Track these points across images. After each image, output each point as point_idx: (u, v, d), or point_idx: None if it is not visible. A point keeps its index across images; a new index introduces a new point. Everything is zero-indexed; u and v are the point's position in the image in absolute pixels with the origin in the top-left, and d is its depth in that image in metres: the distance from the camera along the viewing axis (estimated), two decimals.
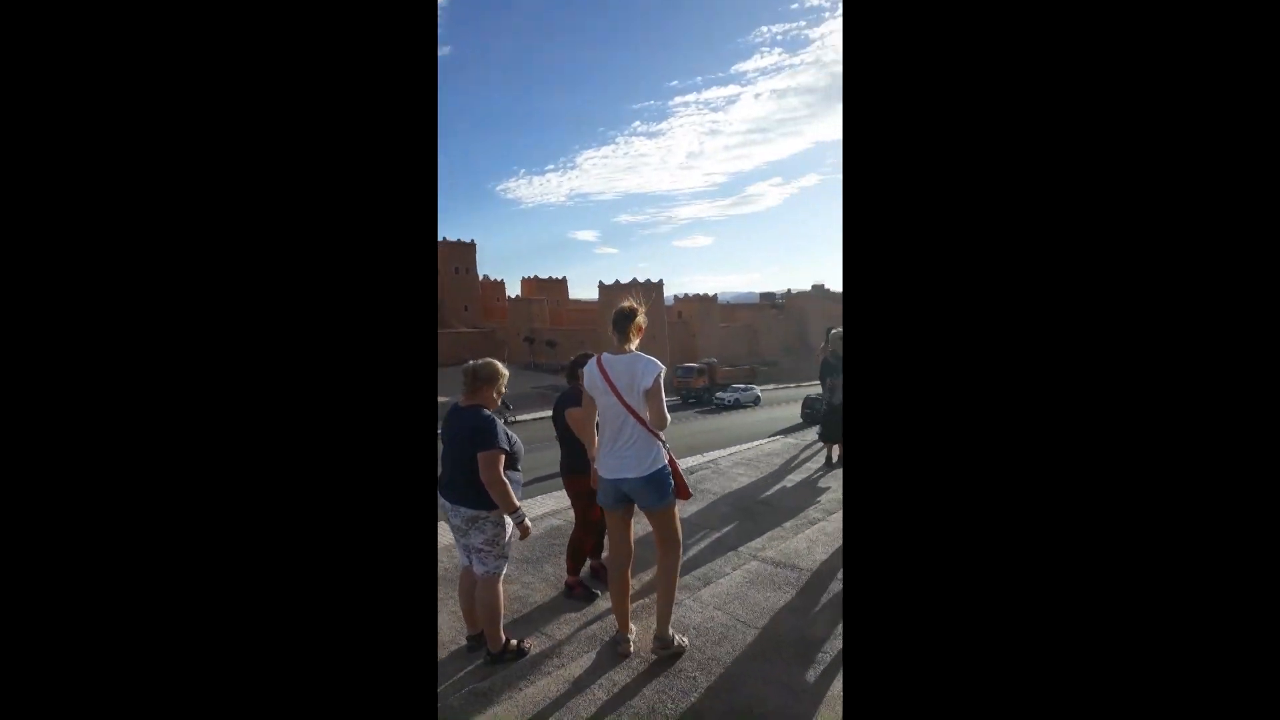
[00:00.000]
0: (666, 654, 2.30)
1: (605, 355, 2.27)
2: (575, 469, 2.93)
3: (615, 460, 2.24)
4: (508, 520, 2.34)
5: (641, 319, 2.29)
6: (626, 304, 2.29)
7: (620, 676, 2.17)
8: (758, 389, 30.37)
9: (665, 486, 2.26)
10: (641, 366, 2.20)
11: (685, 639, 2.43)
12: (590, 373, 2.28)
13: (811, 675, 2.15)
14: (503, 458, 2.22)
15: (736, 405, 27.51)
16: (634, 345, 2.27)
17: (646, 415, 2.21)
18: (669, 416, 2.26)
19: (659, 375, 2.20)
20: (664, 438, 2.29)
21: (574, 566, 2.97)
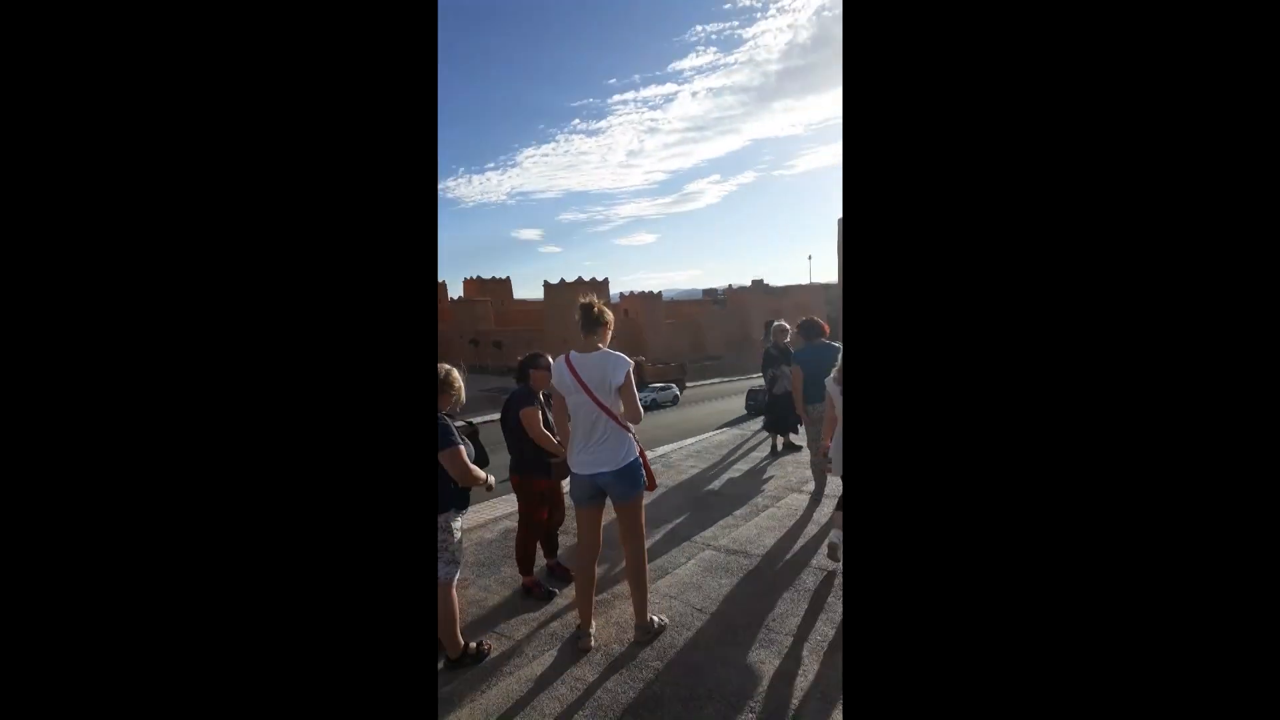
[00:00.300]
0: (649, 637, 2.37)
1: (573, 353, 2.29)
2: (522, 470, 2.93)
3: (590, 456, 2.28)
4: (455, 526, 2.33)
5: (609, 315, 2.33)
6: (588, 300, 2.31)
7: (582, 671, 2.19)
8: (676, 389, 29.40)
9: (638, 478, 2.32)
10: (612, 363, 2.24)
11: (665, 617, 2.51)
12: (559, 371, 2.30)
13: (768, 656, 2.25)
14: (463, 450, 2.20)
15: (654, 405, 25.85)
16: (604, 342, 2.31)
17: (619, 411, 2.26)
18: (643, 410, 2.31)
19: (630, 371, 2.26)
20: (634, 431, 2.34)
21: (526, 567, 2.96)
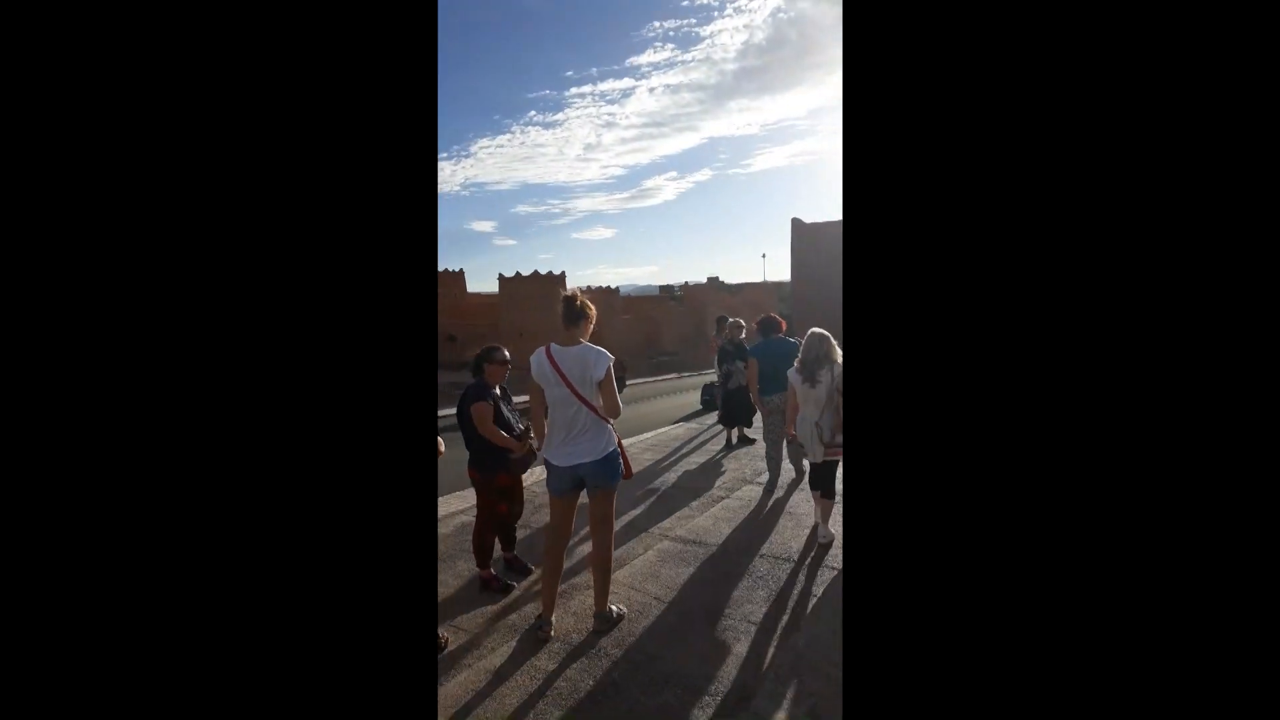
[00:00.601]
0: (608, 626, 2.40)
1: (554, 346, 2.30)
2: (480, 465, 2.90)
3: (571, 448, 2.29)
4: None
5: (592, 309, 2.36)
6: (570, 293, 2.33)
7: (541, 662, 2.20)
8: None
9: (617, 467, 2.37)
10: (593, 357, 2.27)
11: (623, 607, 2.55)
12: (539, 363, 2.30)
13: (724, 641, 2.31)
14: None
15: None
16: (585, 336, 2.32)
17: (599, 404, 2.29)
18: (621, 404, 2.35)
19: (611, 366, 2.29)
20: (613, 422, 2.37)
21: (483, 560, 2.94)
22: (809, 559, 3.03)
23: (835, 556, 3.01)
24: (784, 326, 4.54)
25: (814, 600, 2.59)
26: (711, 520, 3.70)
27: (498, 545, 3.10)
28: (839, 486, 3.37)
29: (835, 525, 3.30)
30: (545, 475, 2.42)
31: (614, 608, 2.49)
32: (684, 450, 5.96)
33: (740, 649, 2.24)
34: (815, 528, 3.37)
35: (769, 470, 4.50)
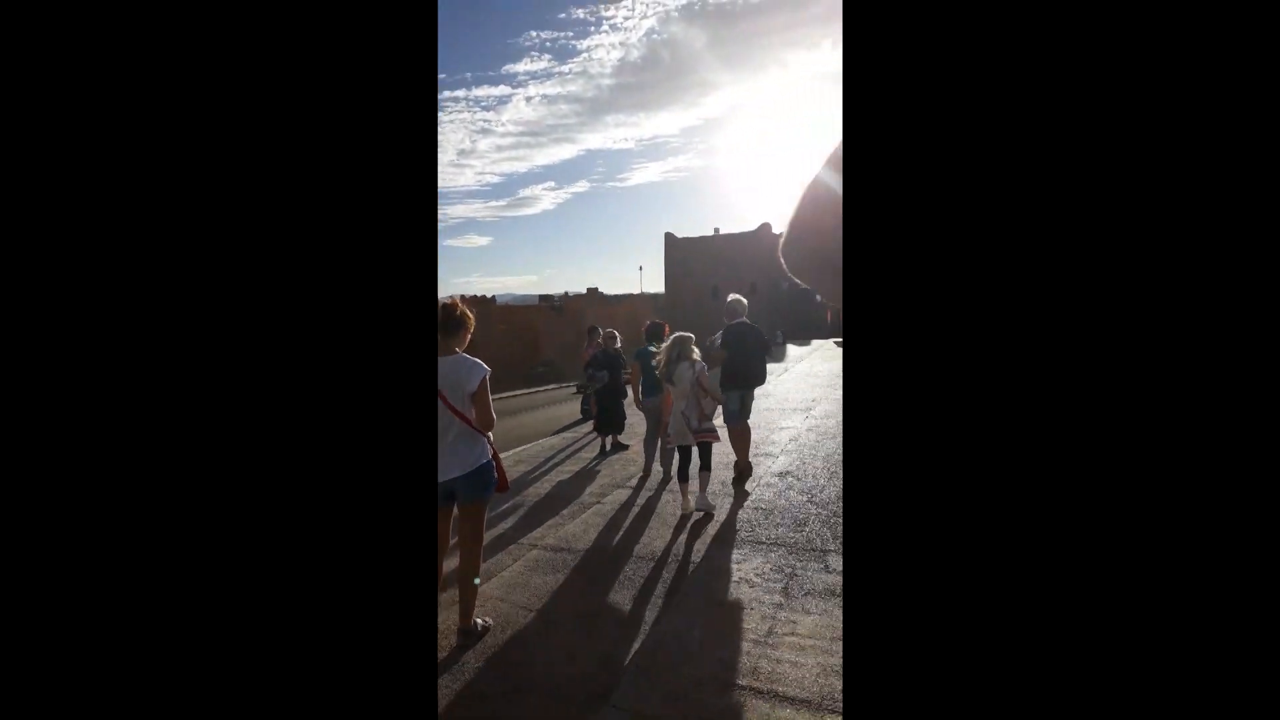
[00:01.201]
0: (472, 640, 2.37)
1: None
2: None
3: (441, 461, 2.24)
4: None
5: (471, 319, 2.33)
6: (450, 301, 2.29)
7: None
8: None
9: (489, 480, 2.35)
10: (466, 369, 2.24)
11: (489, 619, 2.53)
12: None
13: (590, 643, 2.37)
14: None
15: None
16: (461, 346, 2.29)
17: (472, 416, 2.25)
18: (495, 416, 2.33)
19: (485, 378, 2.27)
20: (490, 435, 2.34)
21: None
22: (673, 557, 3.20)
23: (698, 552, 3.20)
24: (667, 331, 4.80)
25: (677, 595, 2.74)
26: (582, 526, 3.76)
27: None
28: (714, 462, 3.80)
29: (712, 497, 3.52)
30: None
31: (479, 620, 2.46)
32: (558, 460, 5.97)
33: (604, 648, 2.32)
34: (680, 524, 3.55)
35: (642, 470, 4.67)
